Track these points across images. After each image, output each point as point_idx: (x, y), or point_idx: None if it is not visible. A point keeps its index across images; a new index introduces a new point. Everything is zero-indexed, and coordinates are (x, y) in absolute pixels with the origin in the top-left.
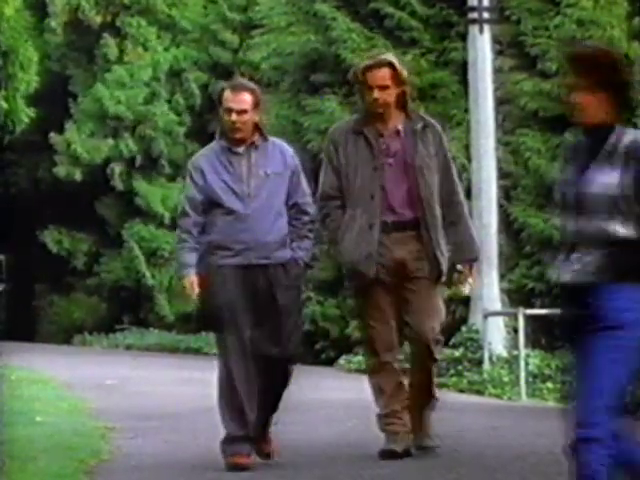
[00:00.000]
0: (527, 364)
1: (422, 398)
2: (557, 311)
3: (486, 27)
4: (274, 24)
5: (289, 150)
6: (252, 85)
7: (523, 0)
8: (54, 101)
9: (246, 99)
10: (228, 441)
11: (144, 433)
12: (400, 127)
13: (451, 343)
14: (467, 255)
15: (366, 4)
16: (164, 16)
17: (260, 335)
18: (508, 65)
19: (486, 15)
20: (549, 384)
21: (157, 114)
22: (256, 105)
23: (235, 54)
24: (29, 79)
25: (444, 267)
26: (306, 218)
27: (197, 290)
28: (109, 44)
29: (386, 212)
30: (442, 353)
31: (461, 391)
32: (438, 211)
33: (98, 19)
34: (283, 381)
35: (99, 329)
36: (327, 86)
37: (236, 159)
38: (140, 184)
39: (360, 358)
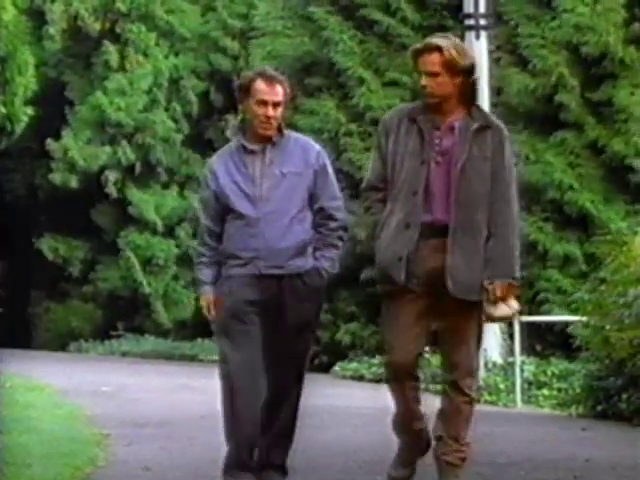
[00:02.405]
0: (522, 371)
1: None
2: (553, 318)
3: (483, 33)
4: (271, 28)
5: (314, 147)
6: (282, 76)
7: (520, 6)
8: (51, 108)
9: (280, 91)
10: (229, 465)
11: (140, 440)
12: (456, 124)
13: None
14: (498, 271)
15: (356, 10)
16: (163, 23)
17: (267, 355)
18: (503, 70)
19: (482, 22)
20: (544, 391)
21: (156, 121)
22: (286, 98)
23: (235, 61)
24: (27, 83)
25: (472, 283)
26: (333, 224)
27: (213, 312)
28: (110, 51)
29: (427, 213)
30: (478, 388)
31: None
32: (480, 219)
33: (97, 26)
34: (290, 407)
35: (95, 336)
36: (321, 89)
37: (250, 158)
38: (134, 192)
39: (355, 365)
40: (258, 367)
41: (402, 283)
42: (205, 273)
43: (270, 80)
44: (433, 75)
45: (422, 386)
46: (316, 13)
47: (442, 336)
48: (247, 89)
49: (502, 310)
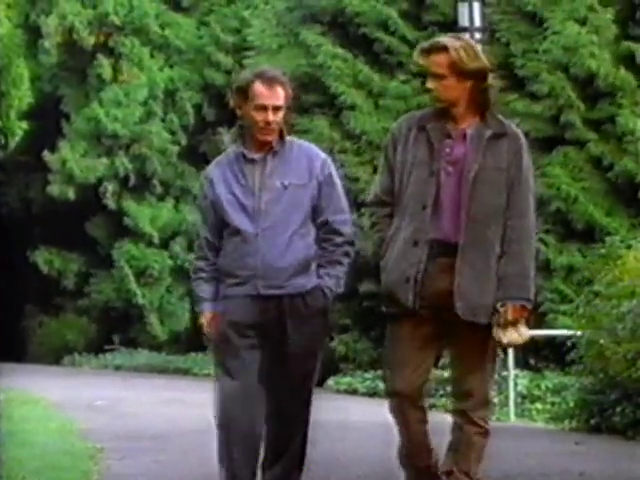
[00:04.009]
0: (516, 385)
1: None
2: (546, 332)
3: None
4: (265, 46)
5: (319, 156)
6: (283, 77)
7: (513, 24)
8: (46, 122)
9: (281, 94)
10: None
11: (133, 454)
12: (469, 131)
13: (440, 364)
14: (511, 293)
15: (356, 29)
16: (157, 37)
17: (270, 383)
18: (498, 86)
19: (478, 36)
20: (538, 405)
21: (152, 132)
22: (287, 101)
23: (229, 75)
24: (22, 95)
25: (482, 305)
26: (339, 239)
27: (213, 330)
28: (103, 65)
29: (436, 229)
30: (490, 418)
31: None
32: (493, 236)
33: (91, 40)
34: (299, 436)
35: (89, 350)
36: (316, 106)
37: (249, 168)
38: (130, 204)
39: (349, 379)
40: (253, 395)
41: (409, 306)
42: (204, 289)
43: (270, 82)
44: (439, 77)
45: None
46: (309, 35)
47: (453, 362)
48: (245, 92)
49: (511, 336)
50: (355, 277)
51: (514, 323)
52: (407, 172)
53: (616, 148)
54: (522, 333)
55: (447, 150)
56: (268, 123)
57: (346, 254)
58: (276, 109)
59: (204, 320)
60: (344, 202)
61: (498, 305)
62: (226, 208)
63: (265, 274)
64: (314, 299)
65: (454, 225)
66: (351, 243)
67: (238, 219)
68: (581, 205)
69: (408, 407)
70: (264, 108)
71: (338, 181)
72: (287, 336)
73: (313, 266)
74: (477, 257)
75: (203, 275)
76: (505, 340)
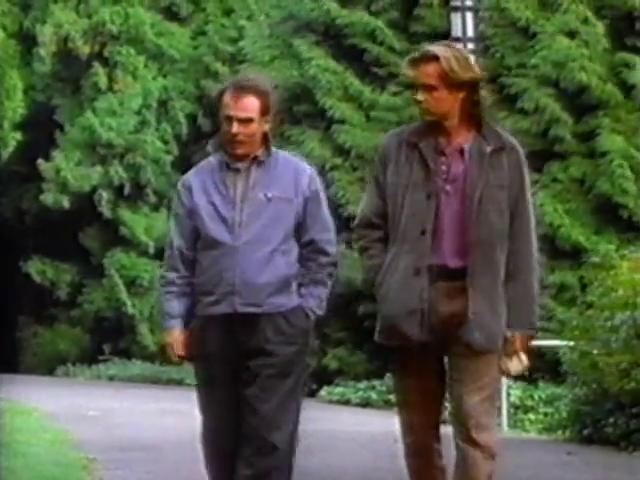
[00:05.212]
0: (509, 395)
1: None
2: (542, 342)
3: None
4: (259, 58)
5: (306, 170)
6: (262, 85)
7: (506, 37)
8: (39, 132)
9: (252, 104)
10: None
11: (126, 464)
12: (466, 146)
13: None
14: (520, 322)
15: (346, 40)
16: (152, 45)
17: (244, 409)
18: (491, 99)
19: (470, 46)
20: (531, 415)
21: (147, 142)
22: (265, 112)
23: None
24: (15, 106)
25: (497, 331)
26: (324, 260)
27: (180, 352)
28: (99, 73)
29: (434, 254)
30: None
31: (443, 422)
32: (499, 259)
33: (86, 49)
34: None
35: (82, 360)
36: (308, 118)
37: (231, 178)
38: (125, 213)
39: (341, 389)
40: (234, 428)
41: (416, 339)
42: (174, 306)
43: (238, 92)
44: (429, 89)
45: None
46: (299, 48)
47: (455, 386)
48: (218, 102)
49: (516, 365)
50: (353, 299)
51: (517, 352)
52: (401, 195)
53: (595, 168)
54: (522, 361)
55: (443, 168)
56: (234, 135)
57: (330, 275)
58: (244, 121)
59: (172, 340)
60: (330, 220)
61: (508, 334)
62: (204, 218)
63: (243, 290)
64: (297, 318)
65: (454, 249)
66: (335, 264)
67: (216, 230)
68: (566, 230)
69: (434, 441)
70: (229, 119)
71: (324, 197)
72: (266, 357)
73: (294, 285)
74: (487, 282)
75: (174, 290)
76: (512, 370)
